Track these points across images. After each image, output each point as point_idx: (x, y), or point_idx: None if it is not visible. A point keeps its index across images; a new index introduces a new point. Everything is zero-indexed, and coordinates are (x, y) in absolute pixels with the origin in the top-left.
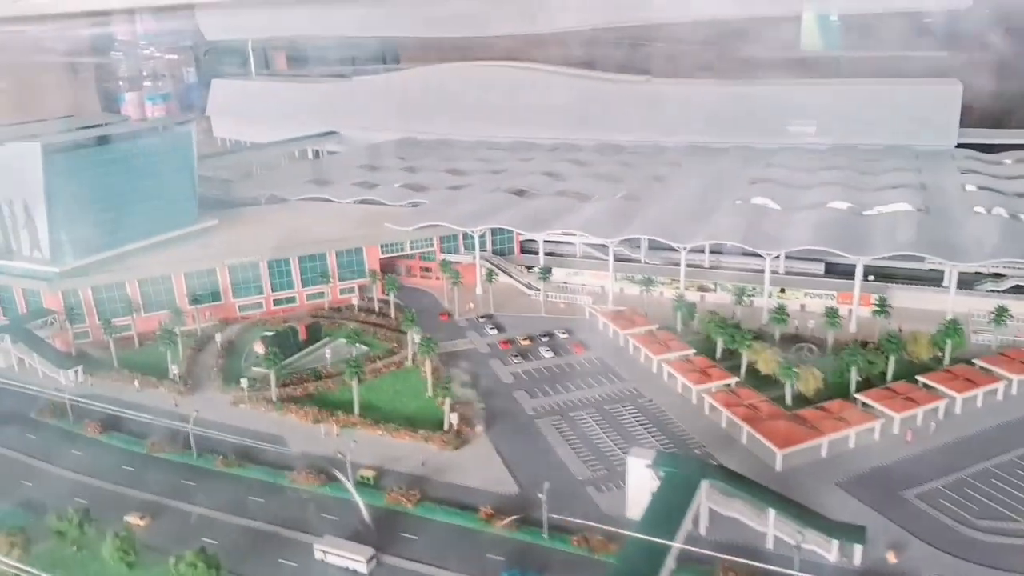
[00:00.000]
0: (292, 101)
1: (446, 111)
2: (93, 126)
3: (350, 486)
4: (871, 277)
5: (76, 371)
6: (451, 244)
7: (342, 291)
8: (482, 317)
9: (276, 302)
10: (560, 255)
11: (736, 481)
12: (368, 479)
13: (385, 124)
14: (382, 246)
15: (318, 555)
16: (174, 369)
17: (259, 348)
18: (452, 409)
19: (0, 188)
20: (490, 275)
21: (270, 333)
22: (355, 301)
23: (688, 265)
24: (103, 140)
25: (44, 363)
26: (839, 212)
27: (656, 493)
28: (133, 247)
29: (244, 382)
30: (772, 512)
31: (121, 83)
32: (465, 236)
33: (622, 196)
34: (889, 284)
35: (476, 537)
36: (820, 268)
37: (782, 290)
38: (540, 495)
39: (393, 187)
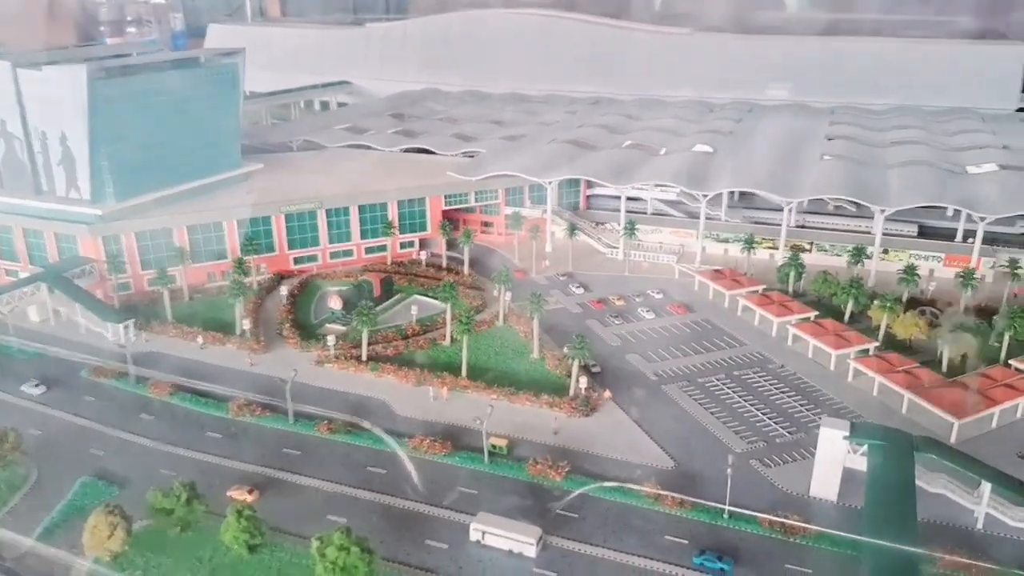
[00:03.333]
0: (300, 48)
1: (472, 61)
2: (120, 55)
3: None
4: (970, 240)
5: (127, 326)
6: (515, 198)
7: (402, 245)
8: (563, 275)
9: (333, 255)
10: (629, 212)
11: (951, 455)
12: (500, 448)
13: (404, 74)
14: (445, 198)
15: (474, 535)
16: (245, 324)
17: (334, 303)
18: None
19: (33, 117)
20: (572, 230)
21: (343, 287)
22: (421, 256)
23: (774, 224)
24: (149, 68)
25: (89, 317)
26: (937, 170)
27: (872, 471)
28: (177, 190)
29: (330, 340)
30: (987, 487)
31: (102, 28)
32: (532, 190)
33: (698, 149)
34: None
35: (645, 516)
36: (913, 230)
37: (885, 251)
38: (728, 470)
39: (443, 136)
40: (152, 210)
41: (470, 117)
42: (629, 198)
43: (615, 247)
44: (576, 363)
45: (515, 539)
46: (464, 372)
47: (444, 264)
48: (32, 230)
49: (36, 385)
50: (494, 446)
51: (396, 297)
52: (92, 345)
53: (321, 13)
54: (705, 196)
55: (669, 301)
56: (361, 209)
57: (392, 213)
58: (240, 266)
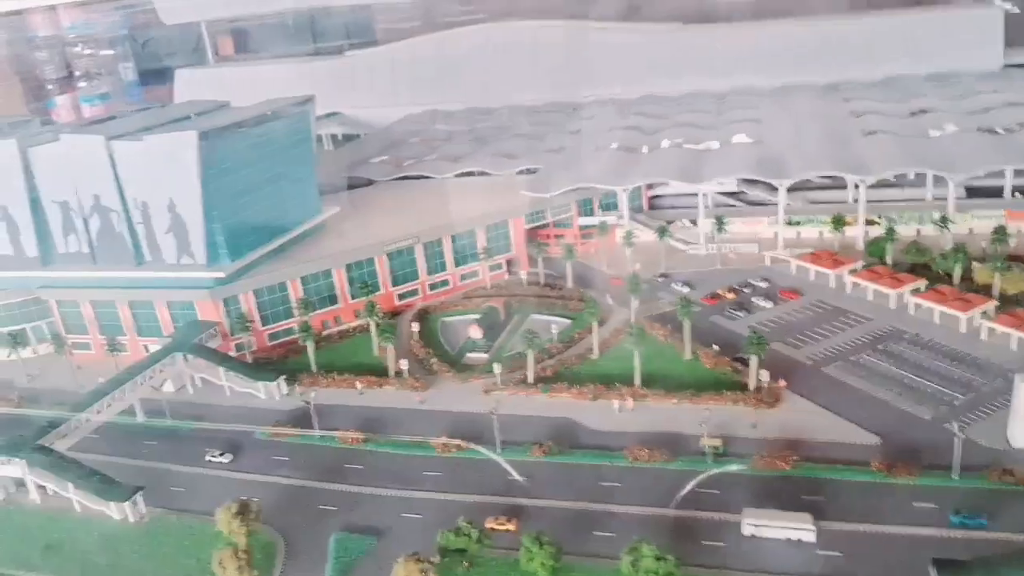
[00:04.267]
0: (279, 84)
1: (471, 78)
2: (199, 114)
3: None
4: (1017, 195)
5: (278, 382)
6: (585, 208)
7: (490, 268)
8: (660, 276)
9: (432, 287)
10: (688, 208)
11: None
12: (717, 448)
13: (396, 99)
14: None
15: (747, 530)
16: (403, 364)
17: (475, 333)
18: (759, 366)
19: (132, 188)
20: (662, 233)
21: (476, 315)
22: (523, 276)
23: (834, 203)
24: (243, 124)
25: (234, 379)
26: (984, 133)
27: None
28: (278, 243)
29: (496, 368)
30: None
31: (50, 86)
32: (600, 197)
33: (745, 140)
34: None
35: (883, 490)
36: (962, 192)
37: (943, 217)
38: (956, 433)
39: (488, 156)
40: (263, 266)
41: (496, 134)
42: (689, 194)
43: (692, 243)
44: (755, 358)
45: (792, 527)
46: (637, 381)
47: (542, 281)
48: (138, 301)
49: (221, 454)
50: (712, 447)
51: (515, 319)
52: (244, 407)
53: (278, 47)
54: (781, 183)
55: (777, 288)
56: (452, 239)
57: (481, 239)
58: (372, 310)
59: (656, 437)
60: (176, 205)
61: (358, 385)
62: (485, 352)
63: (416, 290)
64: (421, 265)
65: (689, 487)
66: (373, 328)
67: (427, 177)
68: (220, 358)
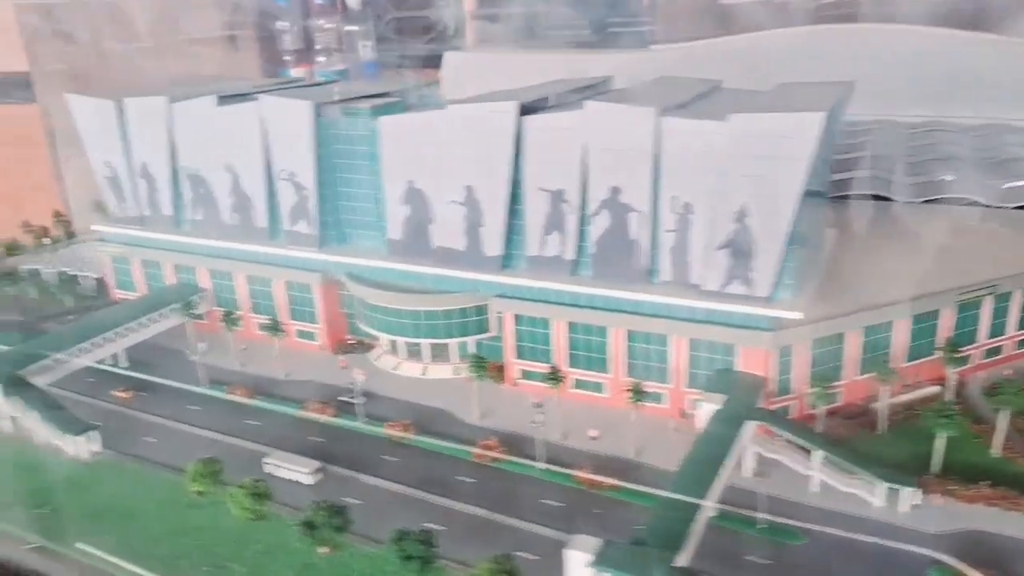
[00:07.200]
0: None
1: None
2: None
3: None
4: None
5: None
6: None
7: None
8: None
9: (989, 352)
10: None
11: None
12: None
13: None
14: None
15: None
16: None
17: None
18: None
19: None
20: None
21: None
22: None
23: None
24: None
25: (834, 470)
26: None
27: None
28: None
29: None
30: None
31: (287, 57)
32: None
33: None
34: None
35: None
36: None
37: None
38: None
39: (974, 182)
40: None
41: (922, 154)
42: None
43: None
44: None
45: None
46: None
47: None
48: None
49: None
50: None
51: None
52: (841, 514)
53: (523, 37)
54: None
55: None
56: None
57: None
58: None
59: None
60: (748, 213)
61: None
62: None
63: (969, 356)
64: (985, 323)
65: None
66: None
67: (885, 199)
68: (808, 434)
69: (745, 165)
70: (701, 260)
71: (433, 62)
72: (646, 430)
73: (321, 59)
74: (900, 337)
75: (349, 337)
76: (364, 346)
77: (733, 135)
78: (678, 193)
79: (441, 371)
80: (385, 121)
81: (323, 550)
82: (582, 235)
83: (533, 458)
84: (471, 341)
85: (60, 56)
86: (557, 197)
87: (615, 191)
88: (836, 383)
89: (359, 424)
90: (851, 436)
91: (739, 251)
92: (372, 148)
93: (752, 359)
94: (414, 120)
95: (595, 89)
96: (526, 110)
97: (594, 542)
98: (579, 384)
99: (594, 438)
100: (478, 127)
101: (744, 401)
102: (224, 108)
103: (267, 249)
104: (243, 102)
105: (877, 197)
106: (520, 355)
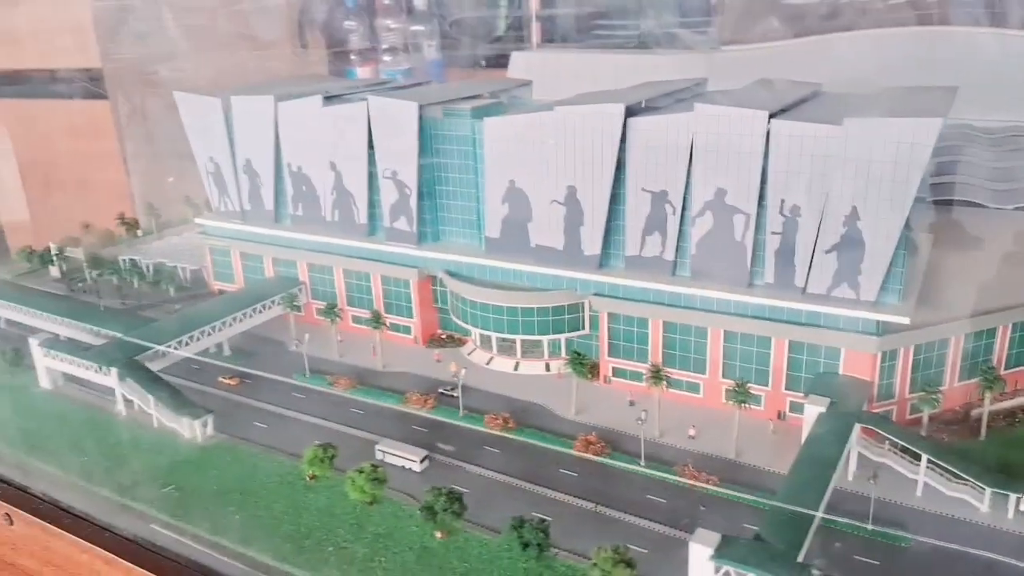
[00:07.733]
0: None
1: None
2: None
3: None
4: None
5: None
6: None
7: None
8: None
9: None
10: None
11: None
12: None
13: None
14: None
15: None
16: None
17: None
18: None
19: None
20: None
21: None
22: None
23: None
24: None
25: (943, 475)
26: None
27: None
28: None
29: None
30: None
31: (353, 56)
32: None
33: None
34: None
35: None
36: None
37: None
38: None
39: None
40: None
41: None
42: None
43: None
44: None
45: None
46: None
47: None
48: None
49: None
50: None
51: None
52: (948, 518)
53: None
54: None
55: None
56: None
57: None
58: None
59: None
60: (859, 217)
61: None
62: None
63: None
64: None
65: None
66: None
67: (975, 204)
68: (914, 438)
69: (859, 169)
70: (807, 263)
71: (495, 61)
72: (744, 430)
73: (387, 59)
74: (1002, 343)
75: (440, 332)
76: (455, 341)
77: (848, 139)
78: (786, 196)
79: (533, 367)
80: (489, 122)
81: (439, 534)
82: (681, 235)
83: (631, 454)
84: (563, 338)
85: (133, 53)
86: (660, 198)
87: (720, 192)
88: (939, 388)
89: (459, 418)
90: (953, 442)
91: (848, 255)
92: (472, 148)
93: (856, 363)
94: (518, 121)
95: (691, 91)
96: (628, 112)
97: (715, 536)
98: (673, 383)
99: (692, 437)
100: (583, 128)
101: (849, 404)
102: (329, 108)
103: (366, 244)
104: (344, 103)
105: (967, 203)
106: (613, 353)
